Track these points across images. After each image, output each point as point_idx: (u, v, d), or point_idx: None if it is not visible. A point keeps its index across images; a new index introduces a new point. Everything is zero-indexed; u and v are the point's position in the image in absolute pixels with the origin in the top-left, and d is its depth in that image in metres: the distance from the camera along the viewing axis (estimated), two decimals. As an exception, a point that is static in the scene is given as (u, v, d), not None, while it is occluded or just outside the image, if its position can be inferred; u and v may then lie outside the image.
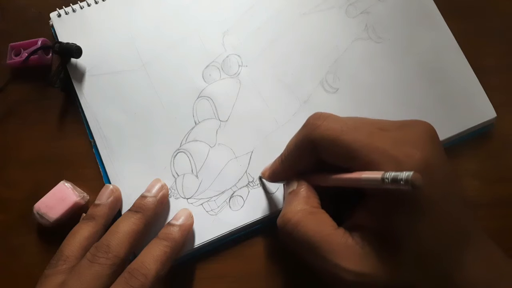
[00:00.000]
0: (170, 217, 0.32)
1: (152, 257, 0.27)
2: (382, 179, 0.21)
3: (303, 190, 0.27)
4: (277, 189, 0.33)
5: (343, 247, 0.24)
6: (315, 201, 0.27)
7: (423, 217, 0.22)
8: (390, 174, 0.20)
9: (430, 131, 0.25)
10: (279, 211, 0.32)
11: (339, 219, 0.26)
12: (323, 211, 0.26)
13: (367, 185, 0.23)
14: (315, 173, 0.27)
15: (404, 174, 0.19)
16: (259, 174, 0.33)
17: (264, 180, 0.33)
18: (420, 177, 0.19)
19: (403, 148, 0.23)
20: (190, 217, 0.31)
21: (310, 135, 0.26)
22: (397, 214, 0.23)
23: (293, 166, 0.28)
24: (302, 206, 0.26)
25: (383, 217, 0.23)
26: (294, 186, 0.28)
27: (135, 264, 0.27)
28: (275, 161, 0.30)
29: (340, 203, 0.27)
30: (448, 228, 0.23)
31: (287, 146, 0.28)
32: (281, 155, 0.29)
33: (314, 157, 0.26)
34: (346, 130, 0.24)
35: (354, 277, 0.23)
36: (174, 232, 0.29)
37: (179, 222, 0.30)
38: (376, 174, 0.21)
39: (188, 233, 0.31)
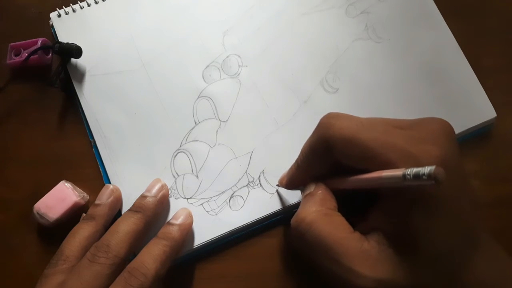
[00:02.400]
0: (170, 217, 0.32)
1: (152, 256, 0.27)
2: (404, 175, 0.20)
3: (320, 192, 0.27)
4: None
5: (358, 251, 0.23)
6: (331, 203, 0.26)
7: (439, 215, 0.22)
8: (412, 170, 0.20)
9: (446, 128, 0.24)
10: (280, 210, 0.32)
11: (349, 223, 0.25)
12: (339, 214, 0.26)
13: (387, 184, 0.22)
14: (332, 177, 0.27)
15: (427, 169, 0.19)
16: (275, 183, 0.32)
17: (280, 192, 0.32)
18: (443, 171, 0.19)
19: (420, 146, 0.23)
20: (190, 216, 0.31)
21: (324, 134, 0.25)
22: (414, 211, 0.22)
23: (309, 169, 0.27)
24: (317, 207, 0.26)
25: (399, 216, 0.23)
26: (311, 188, 0.27)
27: (134, 263, 0.27)
28: (291, 167, 0.29)
29: (349, 208, 0.27)
30: (459, 227, 0.23)
31: (302, 150, 0.28)
32: (297, 160, 0.28)
33: (329, 159, 0.26)
34: (362, 129, 0.24)
35: (371, 283, 0.22)
36: (174, 231, 0.29)
37: (179, 221, 0.30)
38: (397, 172, 0.21)
39: (188, 232, 0.31)
